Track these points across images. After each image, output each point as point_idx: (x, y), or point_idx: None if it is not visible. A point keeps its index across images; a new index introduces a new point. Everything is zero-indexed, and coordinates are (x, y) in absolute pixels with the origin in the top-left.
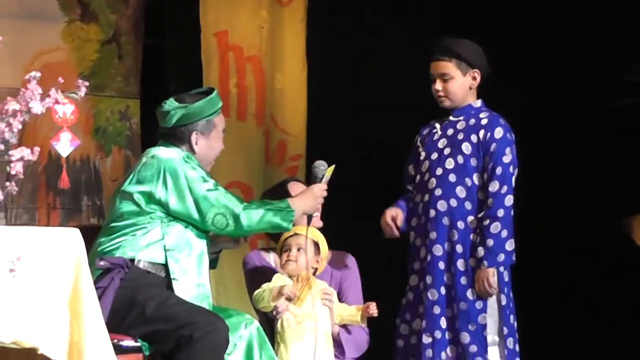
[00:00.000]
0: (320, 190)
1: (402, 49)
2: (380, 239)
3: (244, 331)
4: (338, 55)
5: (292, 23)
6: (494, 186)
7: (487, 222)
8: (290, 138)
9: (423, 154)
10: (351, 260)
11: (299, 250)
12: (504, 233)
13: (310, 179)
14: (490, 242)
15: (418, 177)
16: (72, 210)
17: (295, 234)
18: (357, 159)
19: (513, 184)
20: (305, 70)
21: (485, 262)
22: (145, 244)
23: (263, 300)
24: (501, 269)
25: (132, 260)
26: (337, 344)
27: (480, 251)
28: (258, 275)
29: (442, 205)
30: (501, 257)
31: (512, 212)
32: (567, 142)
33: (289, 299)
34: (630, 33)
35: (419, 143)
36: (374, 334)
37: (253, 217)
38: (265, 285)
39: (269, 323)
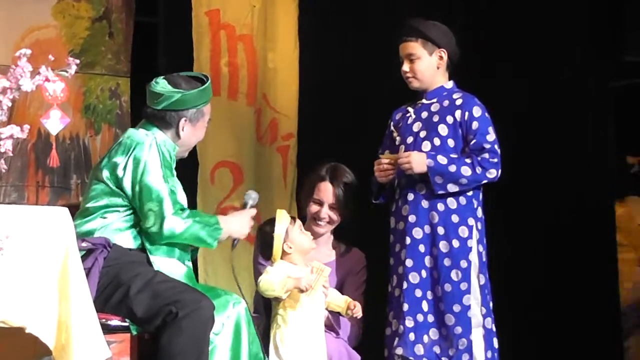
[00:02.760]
0: (250, 216)
1: (393, 26)
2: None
3: (231, 311)
4: (330, 35)
5: (284, 2)
6: (484, 155)
7: (463, 161)
8: (282, 117)
9: (398, 138)
10: (360, 258)
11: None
12: (463, 182)
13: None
14: (452, 168)
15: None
16: (61, 189)
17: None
18: (348, 140)
19: (500, 164)
20: (297, 50)
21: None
22: (117, 228)
23: (273, 290)
24: (480, 248)
25: (113, 238)
26: (333, 321)
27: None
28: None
29: (420, 188)
30: (448, 185)
31: (481, 185)
32: (568, 125)
33: (302, 291)
34: (632, 13)
35: (392, 128)
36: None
37: (178, 225)
38: (271, 270)
39: (266, 304)
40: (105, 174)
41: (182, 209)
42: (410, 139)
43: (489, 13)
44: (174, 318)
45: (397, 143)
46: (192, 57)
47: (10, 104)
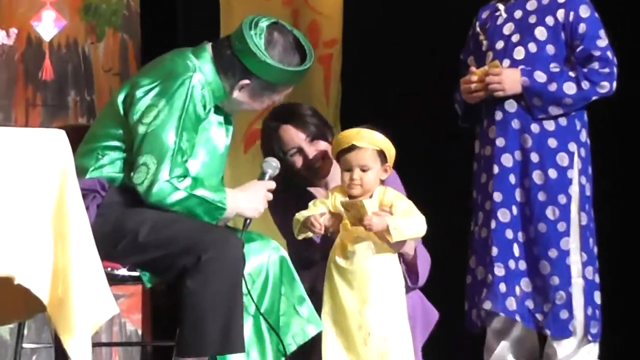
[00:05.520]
0: (266, 189)
1: None
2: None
3: (265, 260)
4: None
5: None
6: (592, 65)
7: (567, 75)
8: (324, 19)
9: (485, 42)
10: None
11: (364, 170)
12: (567, 102)
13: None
14: (552, 86)
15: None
16: (56, 108)
17: (355, 146)
18: (404, 47)
19: (615, 74)
20: None
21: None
22: (113, 171)
23: (295, 228)
24: (583, 180)
25: (111, 180)
26: (408, 268)
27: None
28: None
29: (510, 106)
30: (549, 107)
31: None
32: None
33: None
34: None
35: (478, 29)
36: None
37: (169, 194)
38: (303, 212)
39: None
40: (124, 92)
41: (183, 176)
42: (500, 44)
43: None
44: (196, 263)
45: (483, 48)
46: None
47: None
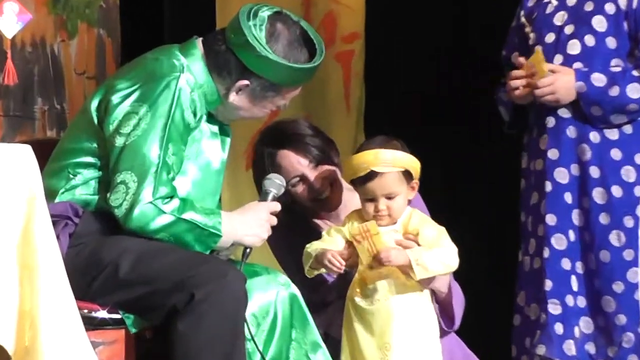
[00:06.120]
0: (269, 211)
1: None
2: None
3: (277, 295)
4: None
5: None
6: None
7: (630, 76)
8: (342, 9)
9: (532, 35)
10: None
11: (390, 197)
12: (633, 108)
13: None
14: (614, 90)
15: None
16: (21, 119)
17: (375, 173)
18: (434, 44)
19: None
20: None
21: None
22: (87, 193)
23: (305, 263)
24: None
25: (85, 203)
26: (441, 308)
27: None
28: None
29: (564, 110)
30: (611, 116)
31: None
32: None
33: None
34: None
35: (523, 20)
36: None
37: (153, 218)
38: (316, 244)
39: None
40: (98, 97)
41: (169, 197)
42: (550, 37)
43: None
44: (188, 302)
45: (530, 42)
46: None
47: None
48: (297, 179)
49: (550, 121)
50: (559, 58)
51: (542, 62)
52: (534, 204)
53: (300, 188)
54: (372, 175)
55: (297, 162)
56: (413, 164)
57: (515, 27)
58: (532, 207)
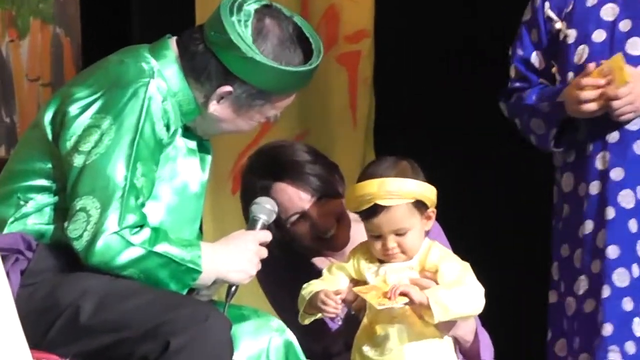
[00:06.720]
0: (258, 242)
1: None
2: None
3: (264, 346)
4: None
5: None
6: None
7: None
8: (347, 3)
9: (570, 33)
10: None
11: (400, 234)
12: None
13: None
14: None
15: (560, 74)
16: None
17: (379, 207)
18: (453, 44)
19: None
20: None
21: None
22: (41, 222)
23: (299, 307)
24: None
25: (40, 235)
26: (466, 357)
27: None
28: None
29: (631, 123)
30: None
31: None
32: None
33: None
34: None
35: (550, 13)
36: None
37: (120, 251)
38: (314, 284)
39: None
40: (52, 108)
41: (138, 226)
42: (599, 36)
43: None
44: (162, 352)
45: (569, 40)
46: None
47: None
48: (297, 216)
49: (613, 135)
50: None
51: (624, 68)
52: (588, 234)
53: (301, 226)
54: (376, 209)
55: (297, 197)
56: (426, 192)
57: (534, 21)
58: (584, 238)
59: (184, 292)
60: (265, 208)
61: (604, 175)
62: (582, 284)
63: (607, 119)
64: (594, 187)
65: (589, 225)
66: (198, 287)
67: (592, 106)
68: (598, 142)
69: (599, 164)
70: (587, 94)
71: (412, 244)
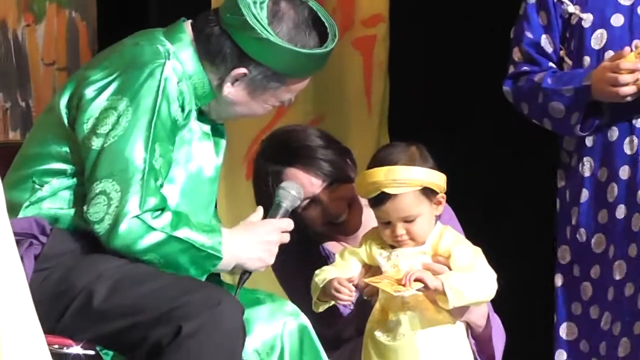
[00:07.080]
0: (280, 229)
1: None
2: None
3: (278, 331)
4: None
5: None
6: None
7: None
8: None
9: (588, 17)
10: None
11: (409, 221)
12: None
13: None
14: None
15: (571, 58)
16: None
17: (386, 194)
18: (471, 29)
19: None
20: None
21: None
22: (56, 207)
23: (313, 295)
24: None
25: (54, 219)
26: (478, 345)
27: None
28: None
29: None
30: None
31: None
32: None
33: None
34: None
35: None
36: None
37: (142, 235)
38: (327, 270)
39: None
40: (67, 92)
41: (160, 209)
42: (618, 20)
43: None
44: (175, 337)
45: (585, 24)
46: None
47: None
48: (308, 201)
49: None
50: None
51: None
52: (621, 219)
53: (312, 212)
54: (383, 197)
55: (309, 183)
56: (434, 179)
57: (538, 3)
58: (608, 224)
59: (204, 277)
60: (290, 194)
61: (633, 159)
62: (620, 269)
63: (631, 103)
64: (624, 172)
65: (620, 210)
66: (217, 273)
67: (629, 89)
68: (624, 127)
69: (627, 149)
70: (626, 77)
71: (421, 230)
